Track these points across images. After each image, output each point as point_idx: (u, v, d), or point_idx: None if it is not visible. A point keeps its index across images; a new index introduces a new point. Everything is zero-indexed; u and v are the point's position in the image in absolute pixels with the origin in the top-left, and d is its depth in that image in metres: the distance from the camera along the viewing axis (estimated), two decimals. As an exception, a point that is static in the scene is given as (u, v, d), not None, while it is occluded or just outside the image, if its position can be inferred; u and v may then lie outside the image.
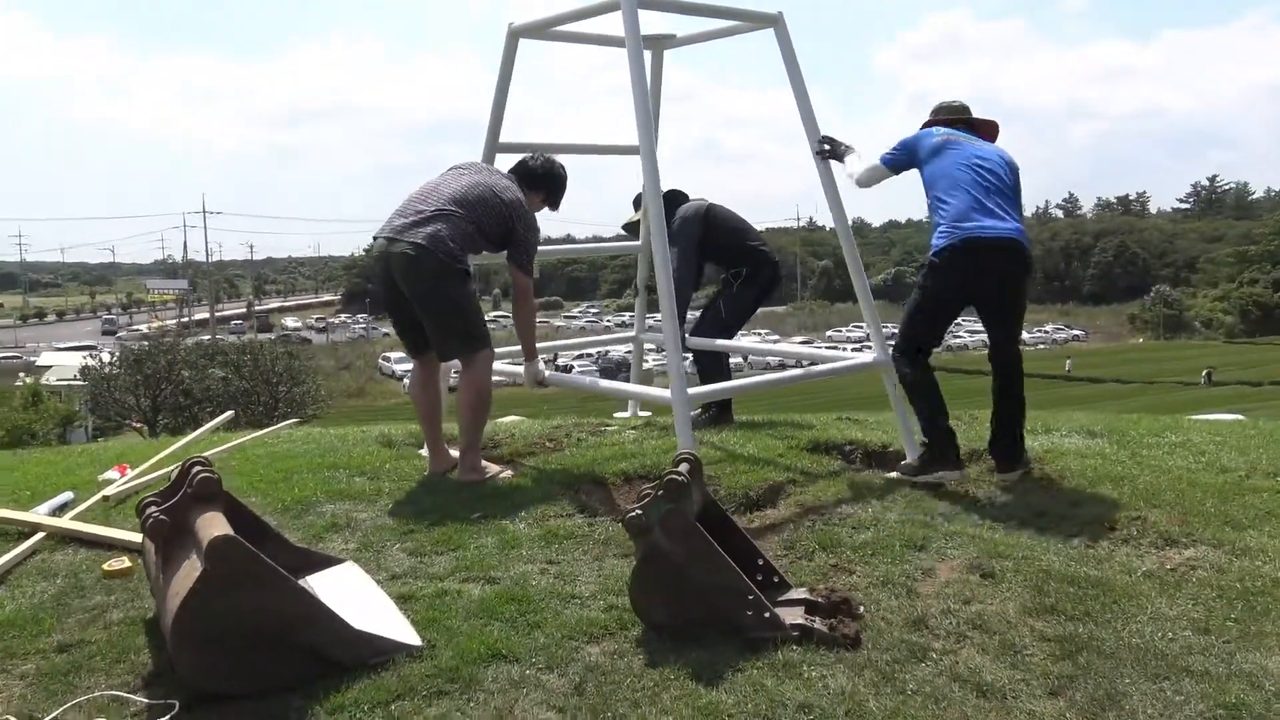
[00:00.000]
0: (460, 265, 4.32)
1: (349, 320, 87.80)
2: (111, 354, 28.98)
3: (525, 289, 4.53)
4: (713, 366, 5.80)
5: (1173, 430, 5.16)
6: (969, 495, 4.00)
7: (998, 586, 3.10)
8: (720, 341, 5.63)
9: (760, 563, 3.05)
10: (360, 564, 3.48)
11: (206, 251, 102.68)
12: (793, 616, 2.82)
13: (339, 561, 3.43)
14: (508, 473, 4.56)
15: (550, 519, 3.87)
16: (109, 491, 4.35)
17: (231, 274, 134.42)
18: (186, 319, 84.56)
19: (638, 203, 5.92)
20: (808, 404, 19.40)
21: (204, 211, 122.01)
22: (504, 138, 4.93)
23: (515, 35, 4.73)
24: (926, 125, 4.49)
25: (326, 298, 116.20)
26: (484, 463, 4.57)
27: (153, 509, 2.79)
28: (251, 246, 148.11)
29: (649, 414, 5.84)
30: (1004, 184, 4.23)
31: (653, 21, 5.01)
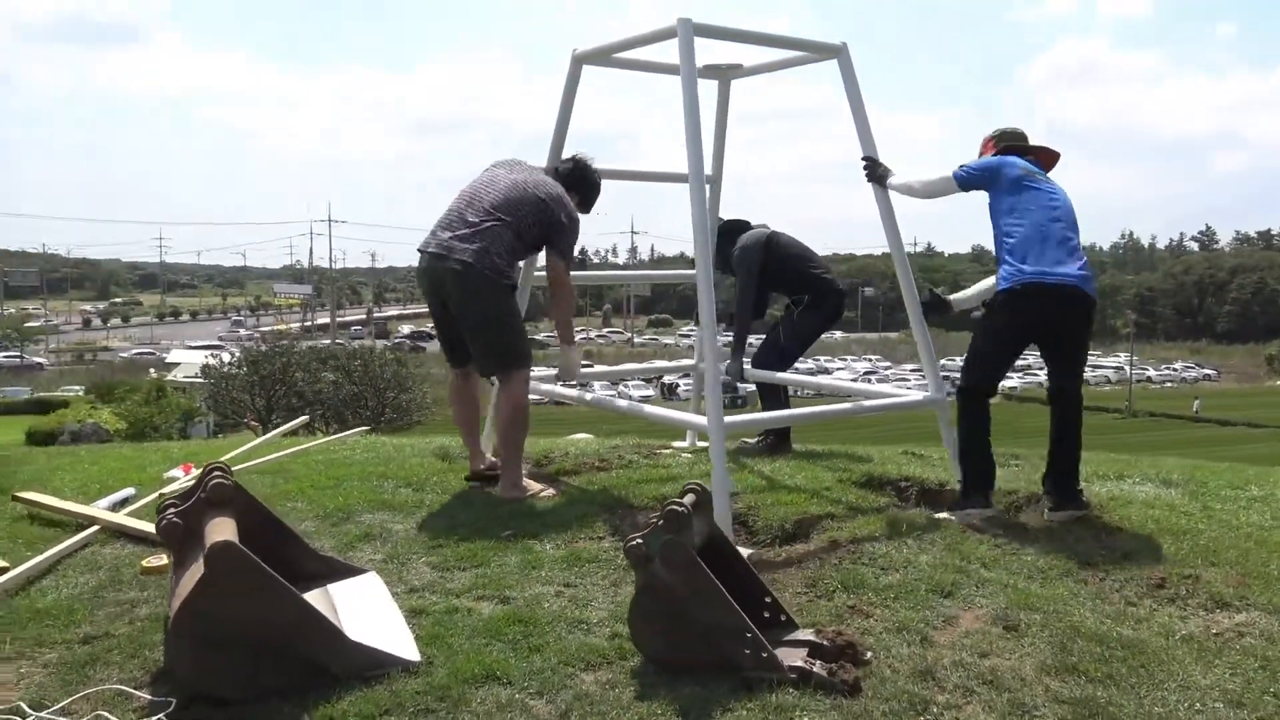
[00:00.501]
0: (507, 280, 4.38)
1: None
2: (231, 354, 30.18)
3: (562, 276, 4.52)
4: (770, 395, 5.73)
5: (1257, 483, 4.85)
6: (1014, 541, 3.82)
7: (1019, 640, 2.95)
8: (779, 375, 5.52)
9: (767, 600, 2.97)
10: (383, 575, 3.52)
11: (330, 258, 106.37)
12: (794, 658, 2.74)
13: (361, 572, 3.48)
14: (549, 491, 4.58)
15: (578, 541, 3.86)
16: (167, 490, 4.51)
17: (354, 281, 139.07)
18: (309, 323, 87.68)
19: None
20: (879, 435, 18.63)
21: (329, 220, 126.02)
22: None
23: (578, 61, 4.77)
24: (999, 151, 4.34)
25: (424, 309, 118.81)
26: (526, 481, 4.59)
27: (168, 512, 2.87)
28: (374, 255, 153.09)
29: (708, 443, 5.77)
30: (1073, 226, 4.16)
31: (721, 51, 5.00)
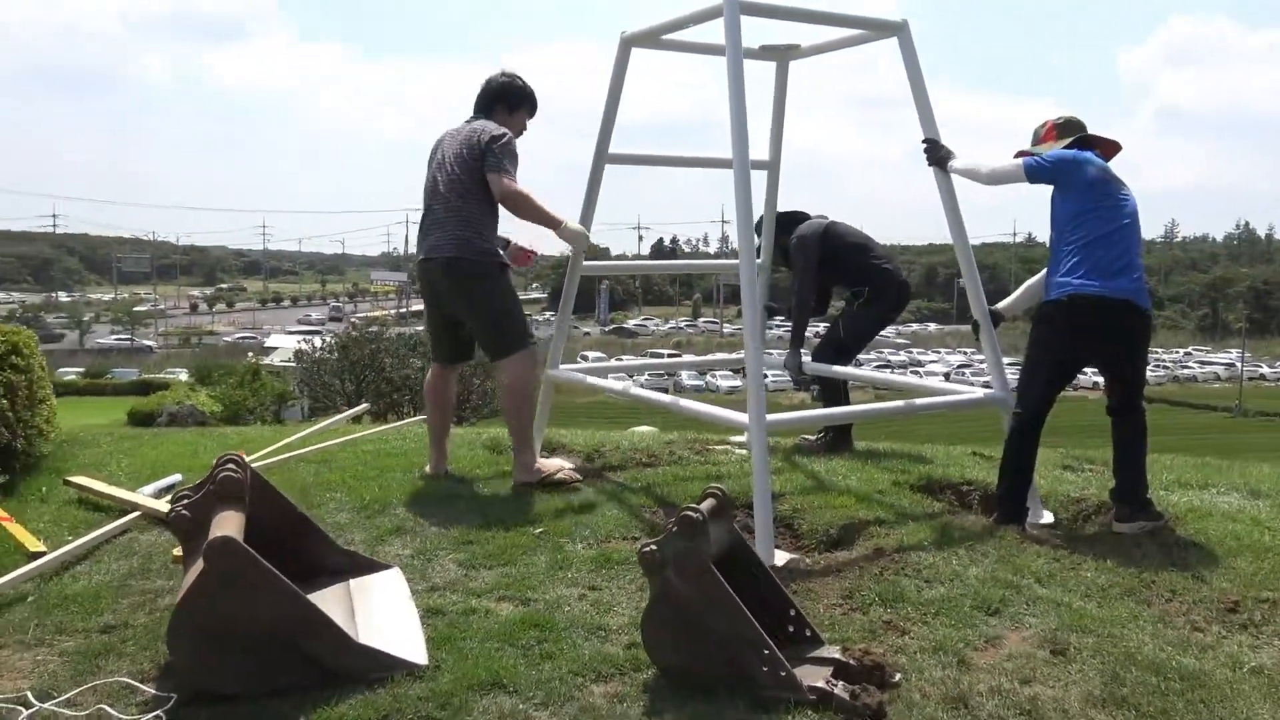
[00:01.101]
0: (493, 259, 4.38)
1: (552, 317, 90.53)
2: (323, 339, 30.84)
3: (508, 189, 4.32)
4: (829, 391, 5.52)
5: (1359, 497, 4.47)
6: (1075, 554, 3.56)
7: (1067, 667, 2.72)
8: (836, 369, 5.29)
9: (791, 613, 2.79)
10: (408, 571, 3.45)
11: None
12: (815, 678, 2.56)
13: (385, 567, 3.41)
14: (568, 467, 4.53)
15: (611, 540, 3.73)
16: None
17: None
18: (404, 309, 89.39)
19: (758, 228, 5.65)
20: (949, 433, 17.83)
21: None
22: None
23: (627, 44, 4.62)
24: (1070, 144, 4.04)
25: (534, 295, 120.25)
26: (540, 462, 4.51)
27: (177, 504, 2.83)
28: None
29: (815, 438, 5.59)
30: (1135, 234, 3.93)
31: (778, 32, 4.80)
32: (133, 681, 2.69)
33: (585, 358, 57.81)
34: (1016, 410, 4.01)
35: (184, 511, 2.79)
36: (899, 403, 4.22)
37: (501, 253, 4.46)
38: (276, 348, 44.93)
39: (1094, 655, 2.77)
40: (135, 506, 4.09)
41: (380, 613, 3.04)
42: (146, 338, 74.88)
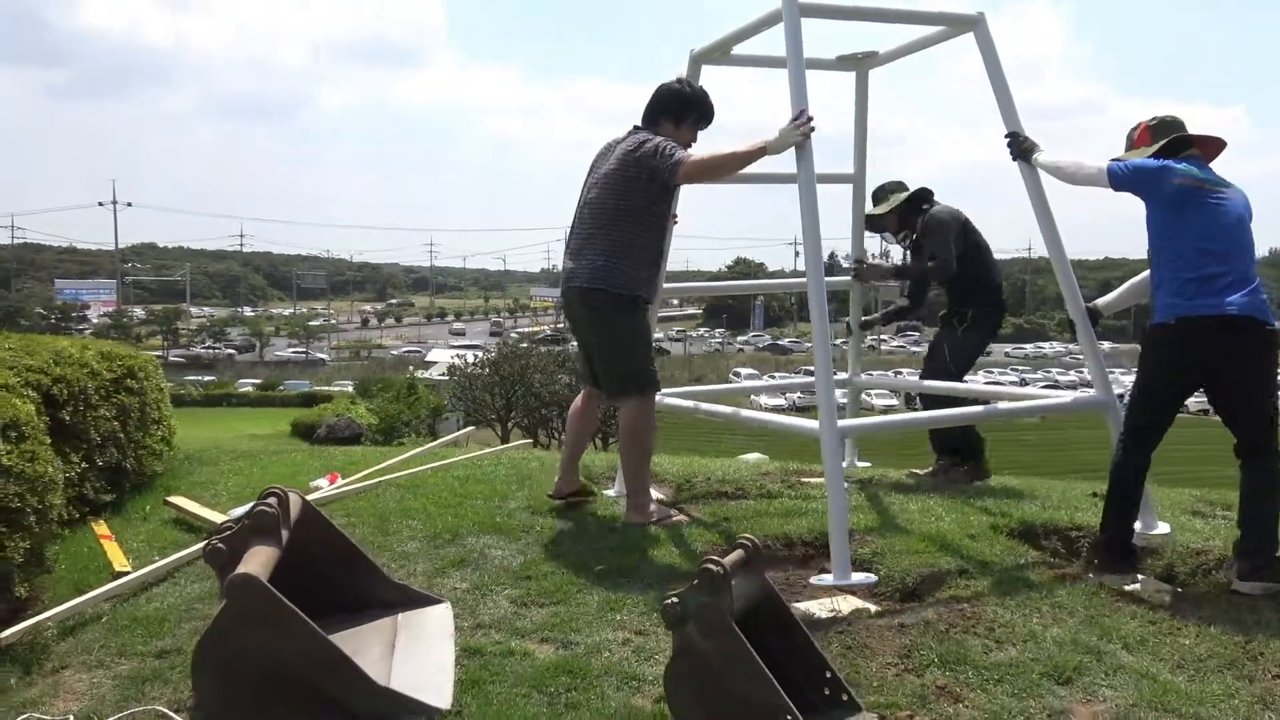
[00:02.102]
0: (626, 294, 4.18)
1: (706, 334, 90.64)
2: (476, 355, 31.77)
3: (693, 168, 4.01)
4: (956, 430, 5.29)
5: None
6: (1177, 617, 3.22)
7: (1137, 750, 2.43)
8: (943, 384, 5.04)
9: (828, 676, 2.60)
10: (462, 605, 3.41)
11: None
12: (844, 748, 2.37)
13: (437, 602, 3.38)
14: (679, 517, 4.38)
15: (670, 580, 3.59)
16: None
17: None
18: (561, 324, 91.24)
19: (877, 196, 5.42)
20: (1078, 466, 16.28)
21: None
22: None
23: (696, 62, 4.52)
24: (1160, 150, 3.73)
25: (690, 311, 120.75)
26: (653, 505, 4.39)
27: (215, 537, 2.86)
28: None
29: (868, 464, 5.35)
30: (1238, 243, 3.58)
31: (856, 40, 4.64)
32: (168, 711, 2.74)
33: (738, 374, 57.60)
34: (1123, 439, 3.72)
35: (220, 545, 2.82)
36: (991, 407, 4.02)
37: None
38: (435, 362, 46.57)
39: (1171, 739, 2.48)
40: (217, 529, 4.20)
41: (417, 651, 3.01)
42: (320, 351, 78.92)
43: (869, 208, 5.50)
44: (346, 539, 3.33)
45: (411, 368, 45.48)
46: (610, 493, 4.84)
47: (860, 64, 4.72)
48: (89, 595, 3.52)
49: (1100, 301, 4.31)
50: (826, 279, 5.15)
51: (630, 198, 4.12)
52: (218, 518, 4.37)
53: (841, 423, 3.65)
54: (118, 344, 5.53)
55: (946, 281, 5.33)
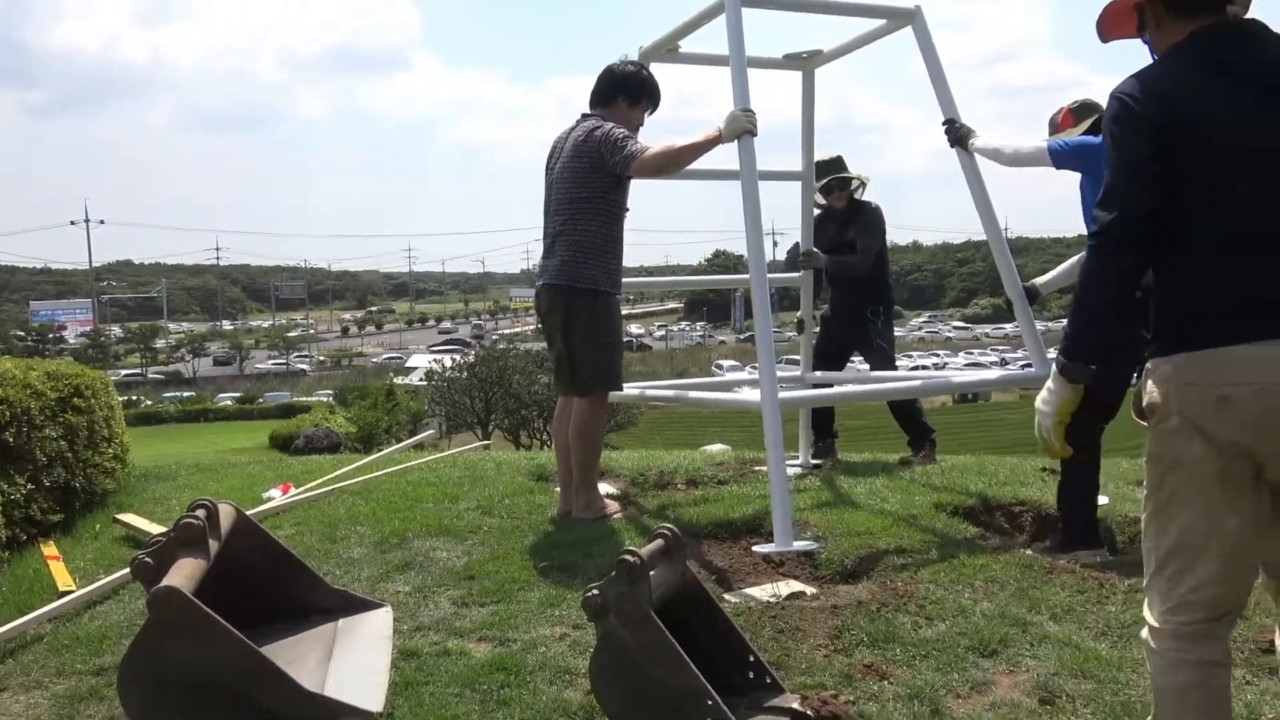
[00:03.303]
0: (592, 287, 4.20)
1: (688, 328, 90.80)
2: (454, 359, 31.69)
3: (644, 160, 3.98)
4: (906, 414, 5.40)
5: None
6: (1105, 586, 3.27)
7: (1053, 718, 2.47)
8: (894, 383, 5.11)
9: (751, 660, 2.63)
10: (403, 608, 3.43)
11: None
12: (766, 730, 2.40)
13: (377, 606, 3.38)
14: (623, 513, 4.39)
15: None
16: (253, 511, 4.62)
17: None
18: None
19: (840, 169, 5.47)
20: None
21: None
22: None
23: (644, 58, 4.55)
24: (1089, 129, 3.80)
25: (670, 305, 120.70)
26: (600, 501, 4.41)
27: (142, 551, 2.86)
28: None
29: (819, 462, 5.39)
30: None
31: (800, 40, 4.68)
32: (100, 728, 2.74)
33: (720, 366, 57.75)
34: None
35: (146, 559, 2.83)
36: (928, 381, 4.11)
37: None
38: (415, 368, 46.44)
39: (1088, 704, 2.51)
40: (146, 544, 4.20)
41: (353, 656, 3.01)
42: (301, 361, 78.59)
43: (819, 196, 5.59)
44: (284, 548, 3.33)
45: (392, 374, 45.37)
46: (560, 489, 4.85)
47: (806, 63, 4.76)
48: (29, 616, 3.51)
49: (1038, 280, 4.36)
50: (787, 275, 5.17)
51: (588, 189, 4.13)
52: (158, 530, 4.37)
53: (781, 394, 3.69)
54: (65, 363, 5.50)
55: (864, 275, 5.51)
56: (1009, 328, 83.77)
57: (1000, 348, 67.39)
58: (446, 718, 2.64)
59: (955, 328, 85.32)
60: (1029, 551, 3.65)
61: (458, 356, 32.27)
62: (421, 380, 35.51)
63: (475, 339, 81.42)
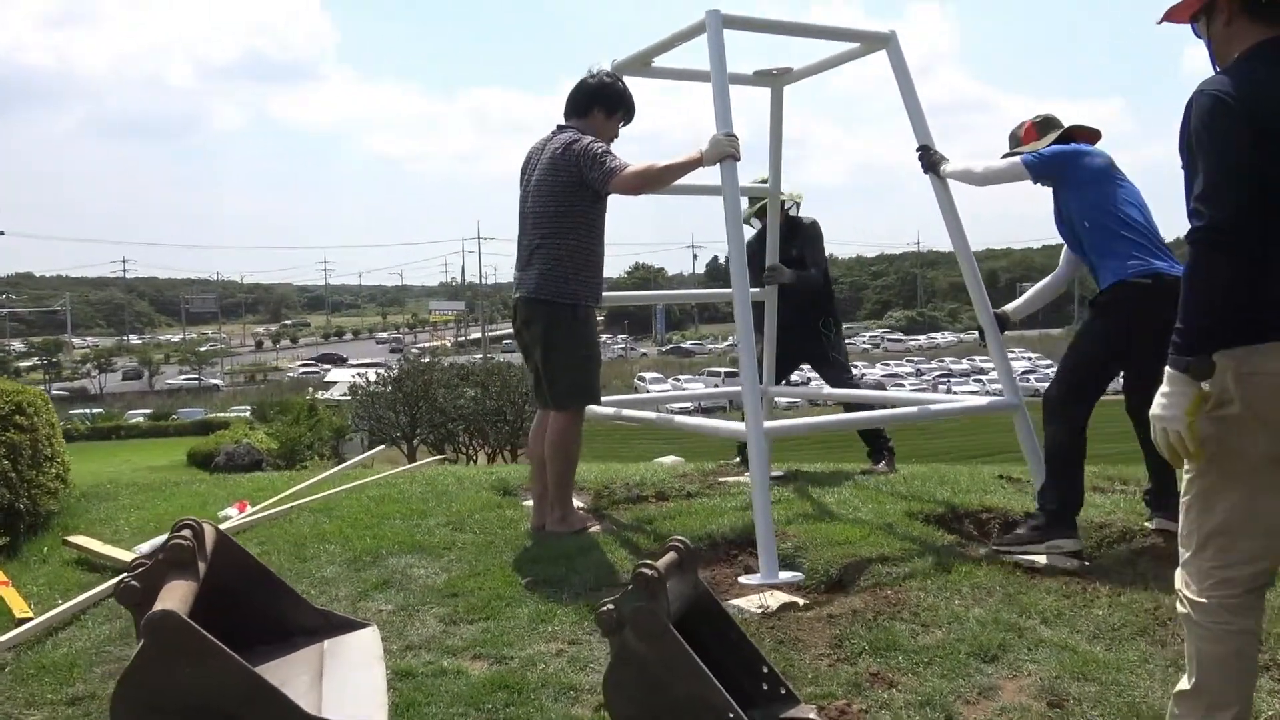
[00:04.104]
0: (573, 303, 4.15)
1: (609, 341, 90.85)
2: (377, 373, 31.17)
3: (624, 179, 3.95)
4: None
5: None
6: (1088, 589, 3.35)
7: (1064, 721, 2.51)
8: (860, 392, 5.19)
9: (764, 670, 2.63)
10: (389, 627, 3.35)
11: (480, 274, 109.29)
12: (786, 741, 2.40)
13: (363, 625, 3.30)
14: (595, 527, 4.35)
15: (600, 588, 3.58)
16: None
17: (506, 295, 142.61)
18: (462, 338, 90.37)
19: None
20: (989, 449, 16.86)
21: (479, 237, 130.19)
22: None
23: (619, 71, 4.52)
24: (1058, 139, 3.92)
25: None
26: (574, 515, 4.37)
27: (127, 574, 2.75)
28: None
29: (782, 472, 5.42)
30: None
31: (771, 57, 4.73)
32: (85, 760, 2.62)
33: (643, 379, 57.82)
34: (1052, 395, 3.79)
35: (133, 583, 2.71)
36: (913, 409, 4.12)
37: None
38: (335, 382, 45.58)
39: (1095, 707, 2.56)
40: (128, 567, 4.04)
41: (347, 677, 2.93)
42: (214, 377, 76.52)
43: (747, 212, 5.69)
44: (264, 568, 3.23)
45: (312, 389, 44.42)
46: (528, 504, 4.80)
47: (776, 79, 4.79)
48: (-10, 645, 3.34)
49: (1009, 307, 4.41)
50: (715, 291, 5.17)
51: (566, 204, 4.09)
52: (123, 555, 4.21)
53: (767, 424, 3.69)
54: (3, 380, 5.27)
55: (819, 288, 5.62)
56: (922, 339, 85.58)
57: (915, 358, 68.96)
58: (453, 739, 2.58)
59: (890, 339, 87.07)
60: (997, 547, 3.72)
61: (381, 371, 31.71)
62: (344, 395, 34.87)
63: (394, 352, 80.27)
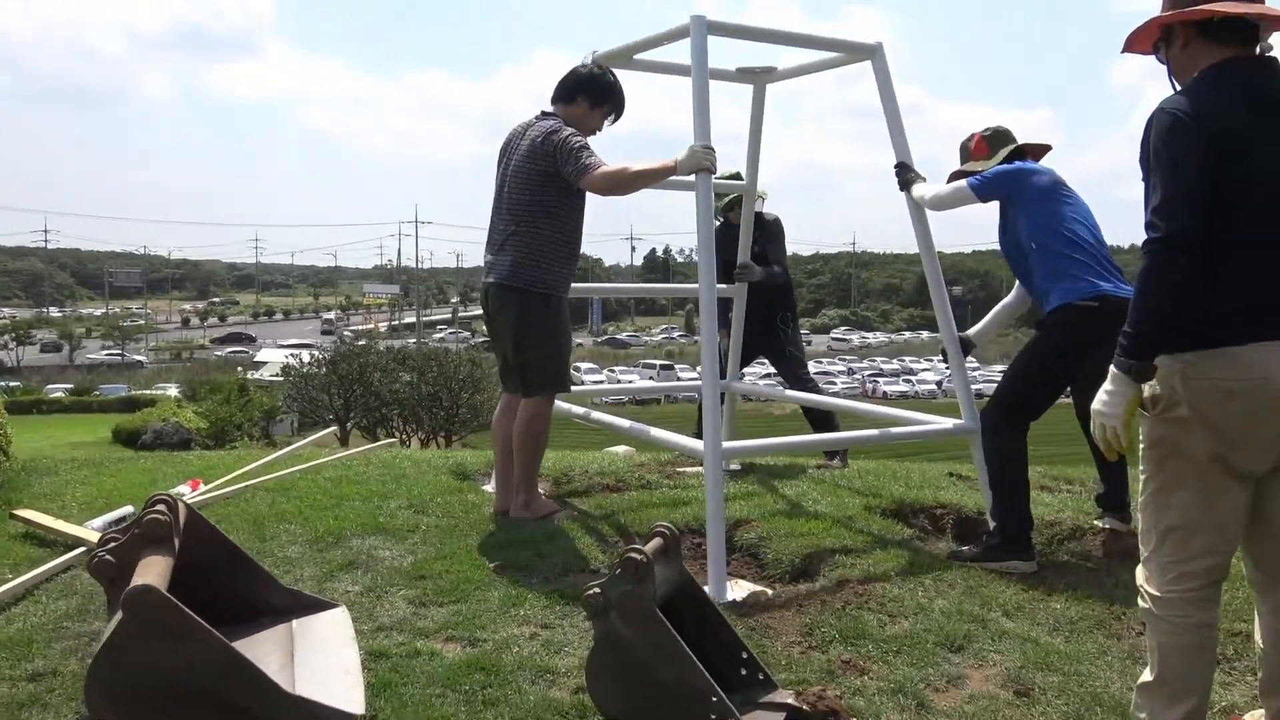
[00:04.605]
0: (546, 292, 4.15)
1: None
2: (311, 354, 30.69)
3: (595, 179, 3.94)
4: (823, 421, 5.55)
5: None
6: (1044, 584, 3.46)
7: (1030, 709, 2.61)
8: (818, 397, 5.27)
9: (744, 656, 2.68)
10: (357, 608, 3.33)
11: (417, 258, 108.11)
12: (766, 725, 2.45)
13: (331, 606, 3.27)
14: (561, 514, 4.36)
15: (568, 574, 3.61)
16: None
17: (442, 280, 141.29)
18: (396, 322, 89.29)
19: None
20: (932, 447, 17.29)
21: (416, 221, 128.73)
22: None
23: (600, 63, 4.52)
24: (1009, 156, 3.97)
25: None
26: (539, 501, 4.38)
27: (100, 548, 2.70)
28: (459, 255, 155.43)
29: (738, 465, 5.48)
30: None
31: (755, 55, 4.76)
32: (53, 736, 2.57)
33: (578, 368, 57.82)
34: (1000, 413, 3.82)
35: (107, 557, 2.67)
36: (873, 432, 4.15)
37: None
38: (266, 362, 44.74)
39: (1059, 695, 2.66)
40: (81, 541, 3.96)
41: (320, 657, 2.91)
42: (137, 353, 74.59)
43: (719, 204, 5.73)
44: (234, 545, 3.18)
45: (241, 368, 43.56)
46: (488, 488, 4.80)
47: (759, 78, 4.81)
48: (-60, 619, 3.25)
49: (971, 331, 4.40)
50: (680, 286, 5.18)
51: (543, 193, 4.08)
52: (74, 530, 4.12)
53: (726, 445, 3.67)
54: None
55: (781, 284, 5.70)
56: (854, 338, 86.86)
57: (848, 358, 69.90)
58: (433, 719, 2.59)
59: (835, 339, 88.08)
60: (955, 559, 3.74)
61: (316, 352, 31.21)
62: (276, 376, 34.27)
63: (325, 334, 79.01)
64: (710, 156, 3.78)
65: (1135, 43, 2.45)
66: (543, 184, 4.07)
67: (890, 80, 4.22)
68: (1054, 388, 3.87)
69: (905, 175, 4.17)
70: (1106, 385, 2.29)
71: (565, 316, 4.27)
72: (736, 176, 5.49)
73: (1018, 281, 4.22)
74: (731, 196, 5.53)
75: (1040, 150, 4.09)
